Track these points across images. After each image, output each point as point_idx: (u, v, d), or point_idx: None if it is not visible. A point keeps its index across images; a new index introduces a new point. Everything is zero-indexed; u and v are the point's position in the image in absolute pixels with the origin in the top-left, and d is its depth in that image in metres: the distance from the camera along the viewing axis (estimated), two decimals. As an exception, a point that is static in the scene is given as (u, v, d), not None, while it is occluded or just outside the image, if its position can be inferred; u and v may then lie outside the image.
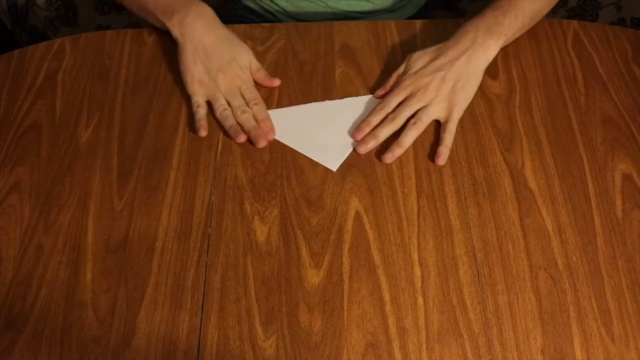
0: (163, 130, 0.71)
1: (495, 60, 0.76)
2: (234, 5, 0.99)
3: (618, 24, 1.24)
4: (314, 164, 0.67)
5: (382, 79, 0.74)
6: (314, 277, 0.60)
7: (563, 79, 0.74)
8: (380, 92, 0.72)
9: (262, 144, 0.68)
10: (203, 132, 0.69)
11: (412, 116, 0.69)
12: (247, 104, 0.71)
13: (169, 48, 0.78)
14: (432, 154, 0.67)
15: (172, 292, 0.59)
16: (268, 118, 0.70)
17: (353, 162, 0.68)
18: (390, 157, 0.66)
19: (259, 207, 0.64)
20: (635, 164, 0.67)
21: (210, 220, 0.64)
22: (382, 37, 0.79)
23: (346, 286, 0.59)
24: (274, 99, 0.73)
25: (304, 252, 0.61)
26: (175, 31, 0.74)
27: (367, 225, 0.63)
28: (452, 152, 0.68)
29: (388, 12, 0.92)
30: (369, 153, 0.68)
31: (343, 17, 0.89)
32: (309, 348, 0.56)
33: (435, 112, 0.69)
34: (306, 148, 0.69)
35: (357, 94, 0.73)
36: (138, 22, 1.32)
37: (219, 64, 0.72)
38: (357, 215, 0.64)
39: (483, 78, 0.73)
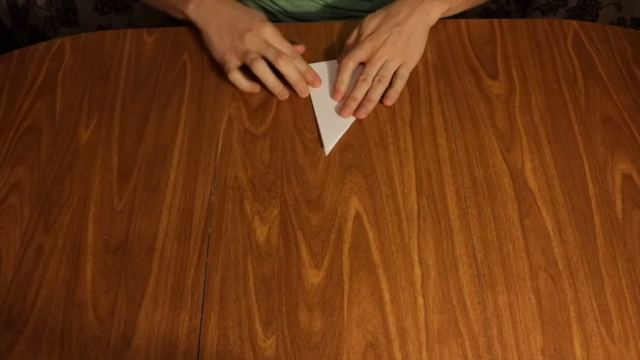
0: (163, 130, 0.71)
1: (495, 60, 0.76)
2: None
3: (618, 24, 1.24)
4: (314, 164, 0.68)
5: (382, 79, 0.74)
6: (314, 277, 0.60)
7: (563, 79, 0.74)
8: (342, 56, 0.75)
9: (306, 94, 0.73)
10: (255, 88, 0.73)
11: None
12: (278, 56, 0.72)
13: (169, 48, 0.78)
14: (432, 154, 0.68)
15: (172, 292, 0.59)
16: (310, 68, 0.74)
17: (353, 162, 0.68)
18: (364, 112, 0.71)
19: (259, 207, 0.64)
20: (635, 164, 0.67)
21: (210, 220, 0.64)
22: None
23: (346, 286, 0.59)
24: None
25: (304, 252, 0.61)
26: (194, 16, 0.76)
27: (367, 225, 0.63)
28: (452, 152, 0.68)
29: (388, 12, 0.92)
30: (368, 154, 0.68)
31: (343, 17, 0.89)
32: (309, 348, 0.56)
33: (394, 66, 0.73)
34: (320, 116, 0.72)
35: (357, 94, 0.74)
36: (138, 22, 1.32)
37: (243, 26, 0.73)
38: (357, 215, 0.64)
39: (483, 78, 0.74)
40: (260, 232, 0.63)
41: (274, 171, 0.67)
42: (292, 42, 0.78)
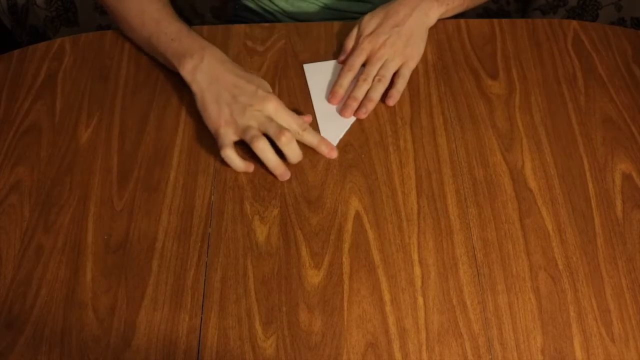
0: (163, 130, 0.71)
1: (495, 60, 0.76)
2: (234, 5, 0.99)
3: (618, 24, 1.25)
4: (314, 164, 0.67)
5: (382, 79, 0.74)
6: (314, 277, 0.60)
7: (563, 79, 0.74)
8: (342, 57, 0.76)
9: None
10: (250, 168, 0.66)
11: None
12: (293, 131, 0.67)
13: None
14: (432, 154, 0.68)
15: (172, 292, 0.59)
16: (323, 139, 0.68)
17: (353, 162, 0.68)
18: (364, 112, 0.71)
19: (259, 207, 0.64)
20: (635, 164, 0.67)
21: (210, 220, 0.64)
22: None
23: (346, 286, 0.59)
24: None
25: (304, 252, 0.61)
26: (189, 78, 0.69)
27: (367, 225, 0.63)
28: (452, 152, 0.68)
29: (388, 12, 0.92)
30: (368, 154, 0.68)
31: (343, 18, 0.89)
32: (309, 348, 0.56)
33: (394, 66, 0.73)
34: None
35: (357, 94, 0.74)
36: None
37: (246, 99, 0.66)
38: (357, 215, 0.64)
39: (483, 78, 0.74)
40: (260, 232, 0.63)
41: (274, 171, 0.67)
42: (292, 42, 0.79)
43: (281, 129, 0.65)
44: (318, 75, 0.75)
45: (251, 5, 0.95)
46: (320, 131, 0.70)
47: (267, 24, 0.81)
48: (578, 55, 0.77)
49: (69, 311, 0.58)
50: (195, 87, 0.69)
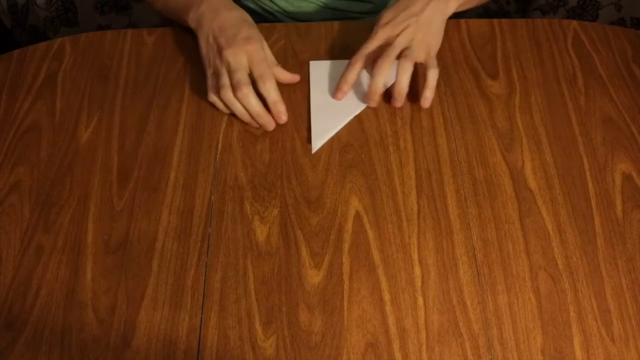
0: (163, 130, 0.71)
1: (495, 60, 0.76)
2: (234, 5, 0.99)
3: (618, 24, 1.25)
4: (314, 164, 0.67)
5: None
6: (314, 277, 0.60)
7: (563, 79, 0.74)
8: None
9: (270, 128, 0.69)
10: (225, 110, 0.70)
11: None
12: (256, 80, 0.68)
13: (169, 48, 0.78)
14: (432, 154, 0.68)
15: (172, 292, 0.59)
16: (278, 100, 0.69)
17: (353, 162, 0.68)
18: (401, 101, 0.70)
19: (259, 207, 0.64)
20: (635, 164, 0.67)
21: (210, 220, 0.64)
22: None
23: (346, 286, 0.59)
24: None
25: (304, 252, 0.61)
26: (193, 25, 0.74)
27: (367, 225, 0.63)
28: (452, 152, 0.68)
29: (388, 12, 0.92)
30: (368, 154, 0.68)
31: (343, 18, 0.89)
32: (309, 348, 0.56)
33: (416, 52, 0.70)
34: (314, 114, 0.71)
35: (357, 94, 0.74)
36: (138, 22, 1.33)
37: (223, 42, 0.69)
38: (357, 215, 0.64)
39: (483, 78, 0.74)
40: (260, 232, 0.63)
41: (274, 171, 0.67)
42: (292, 42, 0.78)
43: (239, 82, 0.66)
44: (322, 73, 0.75)
45: (251, 5, 0.95)
46: (312, 127, 0.70)
47: (267, 24, 0.81)
48: (578, 55, 0.77)
49: (69, 311, 0.58)
50: (196, 31, 0.74)
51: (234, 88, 0.67)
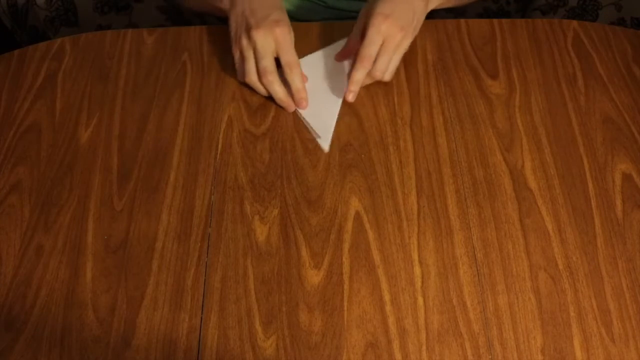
0: (163, 130, 0.71)
1: (495, 60, 0.76)
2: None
3: (618, 24, 1.25)
4: (314, 164, 0.67)
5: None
6: (314, 277, 0.60)
7: (563, 79, 0.74)
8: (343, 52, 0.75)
9: (291, 110, 0.71)
10: (261, 90, 0.72)
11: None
12: (283, 67, 0.70)
13: (169, 48, 0.78)
14: (432, 154, 0.68)
15: (172, 292, 0.59)
16: (302, 87, 0.70)
17: (353, 162, 0.68)
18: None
19: (259, 207, 0.64)
20: (635, 164, 0.67)
21: (210, 220, 0.64)
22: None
23: (346, 286, 0.59)
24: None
25: (304, 252, 0.61)
26: (227, 5, 0.75)
27: (367, 225, 0.63)
28: (452, 152, 0.68)
29: (388, 12, 0.92)
30: (368, 154, 0.68)
31: (343, 17, 0.89)
32: (309, 348, 0.56)
33: (406, 46, 0.72)
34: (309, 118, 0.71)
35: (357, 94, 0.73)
36: (138, 22, 1.32)
37: (256, 21, 0.69)
38: (357, 215, 0.64)
39: (483, 78, 0.74)
40: (260, 232, 0.63)
41: (274, 171, 0.67)
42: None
43: (265, 70, 0.69)
44: (311, 69, 0.74)
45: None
46: (313, 128, 0.70)
47: (267, 24, 0.81)
48: (578, 55, 0.77)
49: (69, 311, 0.58)
50: (229, 13, 0.74)
51: (260, 74, 0.70)
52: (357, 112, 0.72)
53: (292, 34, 0.72)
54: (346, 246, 0.61)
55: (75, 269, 0.61)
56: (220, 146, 0.69)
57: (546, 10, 1.27)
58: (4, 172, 0.68)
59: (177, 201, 0.65)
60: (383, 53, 0.69)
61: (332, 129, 0.70)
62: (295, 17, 0.91)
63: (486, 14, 1.24)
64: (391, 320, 0.57)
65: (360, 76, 0.70)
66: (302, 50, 0.77)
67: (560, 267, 0.60)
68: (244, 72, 0.71)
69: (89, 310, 0.58)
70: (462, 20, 0.80)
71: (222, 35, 0.79)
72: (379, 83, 0.74)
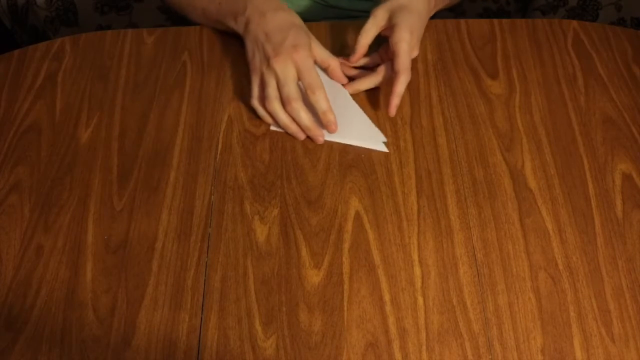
0: (163, 130, 0.71)
1: (495, 60, 0.76)
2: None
3: (618, 24, 1.25)
4: (314, 164, 0.67)
5: (382, 79, 0.74)
6: (314, 277, 0.60)
7: (563, 79, 0.74)
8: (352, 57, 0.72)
9: (321, 141, 0.69)
10: (268, 120, 0.70)
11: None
12: (305, 90, 0.67)
13: (169, 48, 0.78)
14: (432, 154, 0.68)
15: (172, 292, 0.59)
16: (328, 109, 0.67)
17: (353, 162, 0.68)
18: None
19: (259, 207, 0.64)
20: (635, 164, 0.67)
21: (210, 220, 0.64)
22: (381, 36, 0.79)
23: (346, 286, 0.59)
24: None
25: (304, 252, 0.61)
26: (240, 30, 0.74)
27: (367, 225, 0.63)
28: (452, 152, 0.68)
29: (388, 11, 0.92)
30: (368, 154, 0.68)
31: (344, 17, 0.89)
32: (309, 348, 0.56)
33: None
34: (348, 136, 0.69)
35: (356, 94, 0.73)
36: (138, 22, 1.32)
37: (272, 49, 0.68)
38: (357, 215, 0.64)
39: (483, 78, 0.74)
40: (260, 232, 0.63)
41: (274, 171, 0.67)
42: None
43: (288, 96, 0.66)
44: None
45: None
46: (358, 143, 0.68)
47: (267, 24, 0.81)
48: (578, 55, 0.77)
49: (69, 311, 0.58)
50: (243, 36, 0.73)
51: (284, 102, 0.67)
52: (357, 112, 0.72)
53: (317, 47, 0.71)
54: (346, 246, 0.61)
55: (75, 269, 0.61)
56: (220, 146, 0.69)
57: (546, 10, 1.27)
58: (4, 172, 0.68)
59: (177, 201, 0.65)
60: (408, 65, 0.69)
61: (374, 127, 0.69)
62: (295, 17, 0.91)
63: (486, 14, 1.24)
64: (391, 320, 0.57)
65: (402, 88, 0.68)
66: (302, 50, 0.78)
67: (560, 267, 0.60)
68: (264, 98, 0.68)
69: (89, 310, 0.58)
70: (462, 20, 0.80)
71: (222, 35, 0.79)
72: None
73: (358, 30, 0.79)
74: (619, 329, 0.56)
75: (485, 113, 0.71)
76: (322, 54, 0.72)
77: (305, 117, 0.67)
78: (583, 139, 0.69)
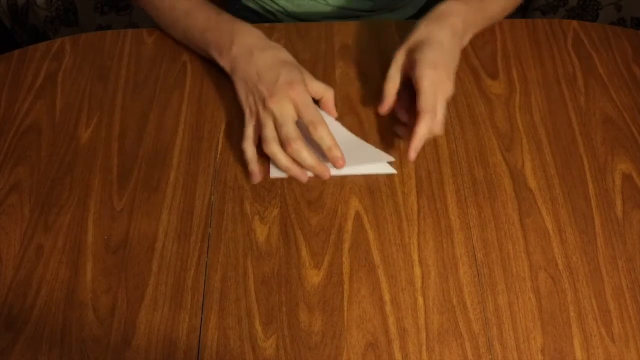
0: (163, 130, 0.71)
1: (495, 60, 0.76)
2: (234, 5, 0.99)
3: (618, 24, 1.25)
4: (314, 164, 0.67)
5: (382, 79, 0.74)
6: (314, 277, 0.60)
7: (563, 79, 0.74)
8: (387, 104, 0.68)
9: (327, 176, 0.65)
10: (254, 179, 0.65)
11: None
12: (307, 127, 0.63)
13: (169, 48, 0.78)
14: (432, 154, 0.68)
15: (172, 292, 0.59)
16: (333, 144, 0.63)
17: (353, 162, 0.67)
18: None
19: (259, 207, 0.64)
20: (635, 164, 0.67)
21: (210, 220, 0.64)
22: (382, 37, 0.79)
23: (346, 286, 0.59)
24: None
25: (304, 252, 0.61)
26: (226, 68, 0.70)
27: (367, 225, 0.63)
28: (452, 152, 0.68)
29: (388, 11, 0.92)
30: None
31: (344, 16, 0.89)
32: (309, 348, 0.56)
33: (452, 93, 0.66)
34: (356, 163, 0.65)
35: (357, 94, 0.73)
36: (138, 22, 1.33)
37: (266, 89, 0.64)
38: (357, 215, 0.64)
39: (483, 78, 0.74)
40: (260, 232, 0.63)
41: (274, 171, 0.67)
42: (292, 42, 0.78)
43: (288, 137, 0.62)
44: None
45: (252, 5, 0.95)
46: (364, 171, 0.66)
47: (267, 24, 0.81)
48: (578, 55, 0.77)
49: (69, 311, 0.58)
50: (231, 74, 0.70)
51: (284, 143, 0.63)
52: (357, 112, 0.72)
53: (311, 81, 0.67)
54: (346, 246, 0.61)
55: (75, 269, 0.61)
56: (220, 146, 0.69)
57: (546, 10, 1.27)
58: (4, 172, 0.68)
59: (177, 201, 0.65)
60: (440, 106, 0.63)
61: (376, 149, 0.67)
62: (295, 17, 0.91)
63: (486, 14, 1.24)
64: (391, 320, 0.57)
65: (425, 130, 0.62)
66: (303, 50, 0.78)
67: (560, 267, 0.60)
68: (262, 141, 0.64)
69: (89, 310, 0.58)
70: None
71: (222, 35, 0.79)
72: (378, 82, 0.74)
73: (358, 30, 0.80)
74: (619, 329, 0.56)
75: (485, 113, 0.71)
76: (317, 87, 0.68)
77: (307, 156, 0.63)
78: (583, 139, 0.69)
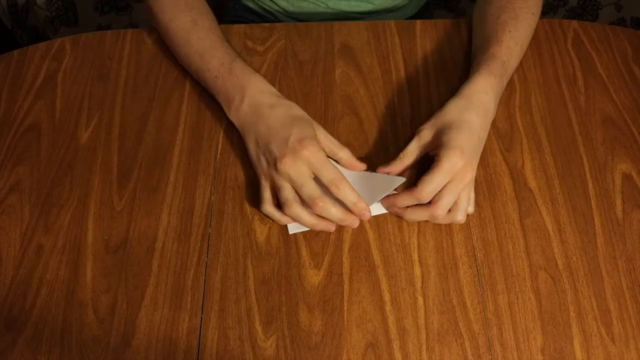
0: (163, 130, 0.71)
1: (495, 60, 0.76)
2: (234, 5, 0.99)
3: (618, 24, 1.25)
4: (314, 164, 0.67)
5: (382, 79, 0.74)
6: (314, 277, 0.60)
7: (563, 79, 0.74)
8: (396, 167, 0.64)
9: (356, 225, 0.62)
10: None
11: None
12: (328, 186, 0.60)
13: (169, 48, 0.78)
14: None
15: (172, 292, 0.59)
16: (357, 199, 0.60)
17: (353, 162, 0.67)
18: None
19: (258, 207, 0.64)
20: (635, 164, 0.67)
21: (210, 220, 0.64)
22: (382, 37, 0.79)
23: (346, 286, 0.59)
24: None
25: (304, 252, 0.61)
26: (235, 122, 0.68)
27: (367, 225, 0.63)
28: (452, 152, 0.68)
29: (388, 12, 0.92)
30: (368, 154, 0.68)
31: (343, 18, 0.89)
32: (309, 348, 0.56)
33: (473, 181, 0.62)
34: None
35: (357, 94, 0.73)
36: (138, 22, 1.33)
37: (278, 149, 0.61)
38: (357, 215, 0.63)
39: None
40: (260, 232, 0.63)
41: (274, 171, 0.67)
42: (292, 42, 0.78)
43: (312, 198, 0.59)
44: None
45: (251, 5, 0.95)
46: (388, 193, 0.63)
47: (267, 24, 0.81)
48: (578, 55, 0.77)
49: (69, 311, 0.58)
50: (241, 132, 0.68)
51: (310, 204, 0.60)
52: (357, 112, 0.72)
53: (321, 146, 0.63)
54: (346, 246, 0.61)
55: (75, 269, 0.61)
56: (220, 146, 0.69)
57: (546, 10, 1.27)
58: (4, 172, 0.68)
59: (177, 201, 0.65)
60: (449, 192, 0.59)
61: (385, 177, 0.64)
62: (295, 17, 0.91)
63: (486, 14, 1.24)
64: (391, 320, 0.57)
65: (405, 203, 0.61)
66: (303, 50, 0.78)
67: (560, 267, 0.60)
68: (282, 204, 0.61)
69: (89, 310, 0.58)
70: (462, 20, 0.80)
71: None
72: (378, 82, 0.74)
73: (358, 30, 0.80)
74: (619, 329, 0.56)
75: (485, 113, 0.71)
76: (330, 145, 0.65)
77: (336, 212, 0.60)
78: (583, 139, 0.69)
